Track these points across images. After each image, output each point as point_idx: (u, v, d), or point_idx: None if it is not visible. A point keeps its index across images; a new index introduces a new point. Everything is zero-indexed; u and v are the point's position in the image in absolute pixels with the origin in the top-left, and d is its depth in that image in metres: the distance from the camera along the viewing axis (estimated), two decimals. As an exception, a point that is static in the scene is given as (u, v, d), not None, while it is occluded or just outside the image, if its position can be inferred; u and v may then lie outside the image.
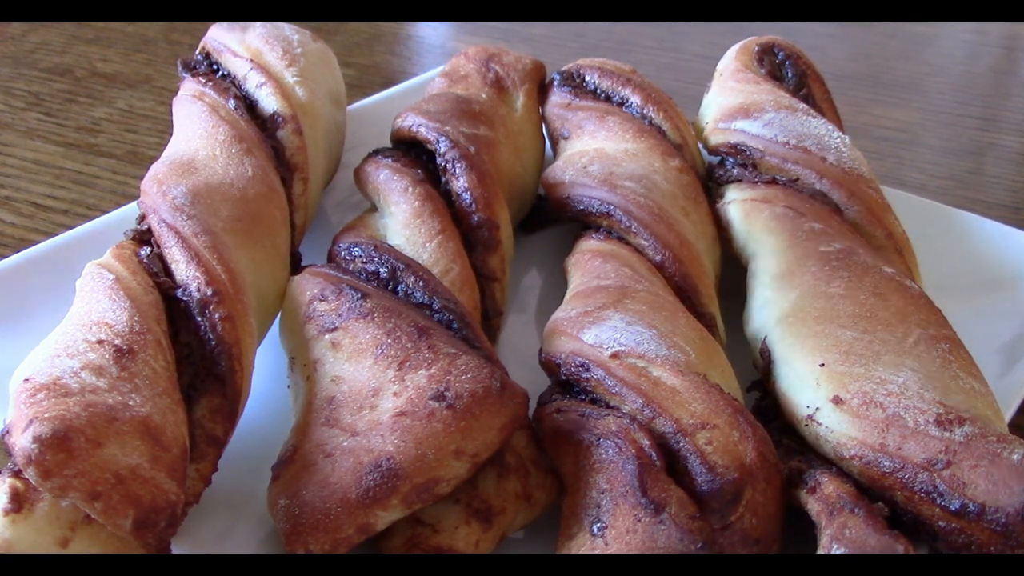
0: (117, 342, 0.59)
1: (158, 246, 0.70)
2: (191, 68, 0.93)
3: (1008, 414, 0.71)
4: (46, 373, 0.55)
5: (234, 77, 0.91)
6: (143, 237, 0.72)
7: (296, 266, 0.81)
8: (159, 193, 0.71)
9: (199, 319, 0.65)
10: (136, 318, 0.62)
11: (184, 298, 0.66)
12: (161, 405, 0.57)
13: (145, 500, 0.53)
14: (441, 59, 1.54)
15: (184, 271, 0.67)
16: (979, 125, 1.43)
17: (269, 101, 0.87)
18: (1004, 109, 1.51)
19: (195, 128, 0.81)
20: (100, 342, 0.59)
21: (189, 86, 0.88)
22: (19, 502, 0.53)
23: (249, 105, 0.88)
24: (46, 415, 0.51)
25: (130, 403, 0.55)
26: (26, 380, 0.55)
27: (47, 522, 0.53)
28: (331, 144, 0.96)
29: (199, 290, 0.65)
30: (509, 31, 1.64)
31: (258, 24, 0.96)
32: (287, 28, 0.98)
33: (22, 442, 0.51)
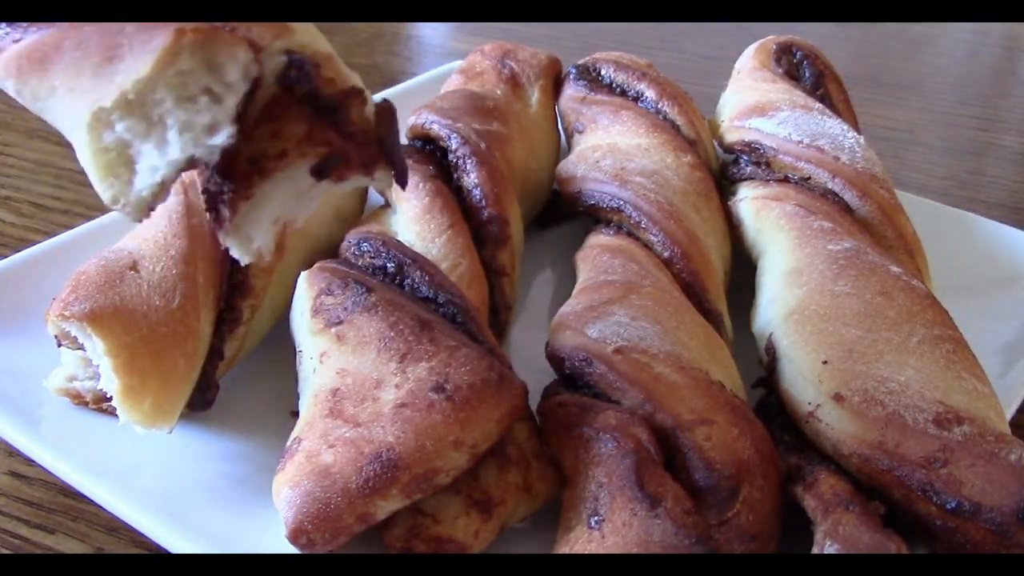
0: None
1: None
2: None
3: (1008, 414, 0.71)
4: None
5: None
6: None
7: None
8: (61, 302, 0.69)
9: None
10: None
11: None
12: None
13: None
14: (441, 59, 1.54)
15: None
16: (979, 125, 1.43)
17: None
18: (1004, 109, 1.51)
19: (156, 227, 0.76)
20: None
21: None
22: None
23: None
24: None
25: None
26: None
27: None
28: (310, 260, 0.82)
29: None
30: (509, 31, 1.65)
31: None
32: None
33: None
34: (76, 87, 0.52)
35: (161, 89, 0.50)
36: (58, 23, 0.53)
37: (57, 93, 0.54)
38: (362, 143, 0.54)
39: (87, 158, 0.52)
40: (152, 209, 0.54)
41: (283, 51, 0.52)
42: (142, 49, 0.50)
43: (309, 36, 0.53)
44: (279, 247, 0.58)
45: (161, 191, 0.53)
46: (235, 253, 0.55)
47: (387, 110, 0.55)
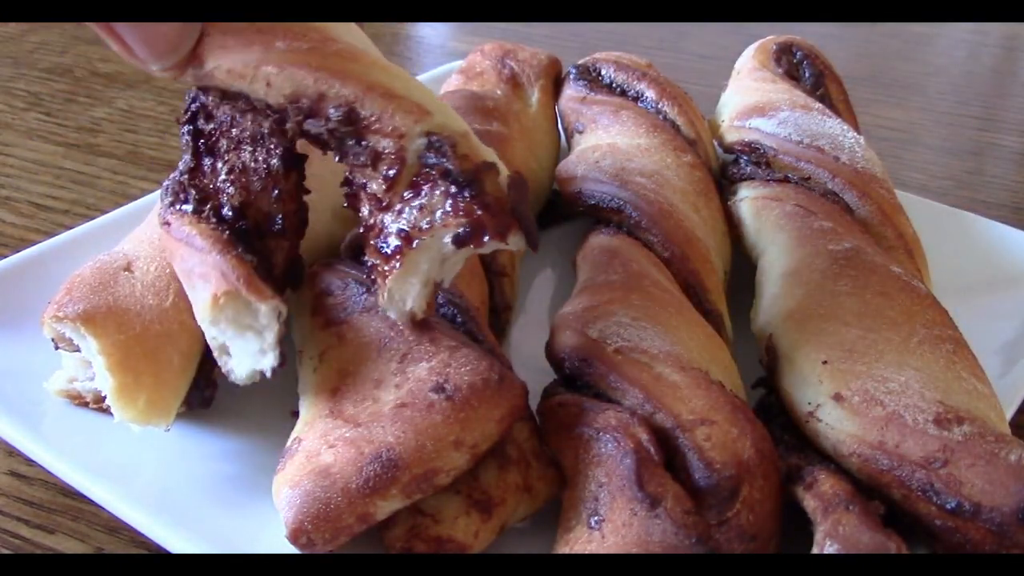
0: None
1: None
2: None
3: (1008, 414, 0.71)
4: None
5: None
6: None
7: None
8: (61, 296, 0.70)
9: None
10: None
11: None
12: None
13: None
14: (441, 59, 1.54)
15: None
16: (979, 125, 1.43)
17: None
18: (1004, 109, 1.51)
19: (153, 229, 0.77)
20: None
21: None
22: None
23: None
24: None
25: None
26: None
27: None
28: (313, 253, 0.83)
29: None
30: (509, 31, 1.65)
31: None
32: None
33: None
34: (187, 289, 0.66)
35: (222, 323, 0.64)
36: (173, 226, 0.66)
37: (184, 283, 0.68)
38: (496, 212, 0.60)
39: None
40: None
41: (423, 133, 0.60)
42: (202, 297, 0.64)
43: (446, 117, 0.61)
44: (430, 305, 0.65)
45: (255, 377, 0.66)
46: (391, 314, 0.65)
47: (519, 180, 0.62)
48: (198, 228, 0.64)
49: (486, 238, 0.59)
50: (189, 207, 0.65)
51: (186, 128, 0.66)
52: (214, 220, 0.65)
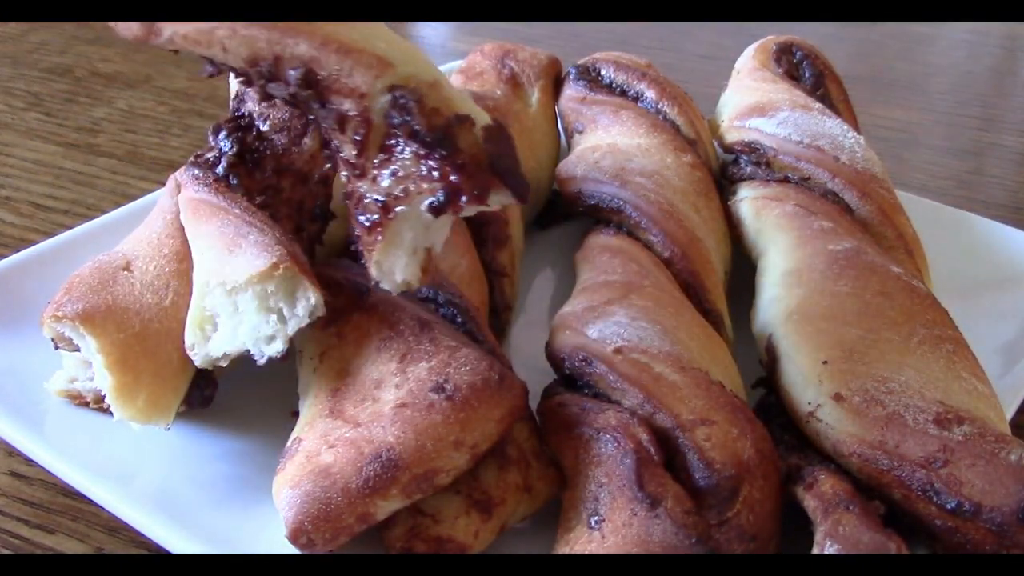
0: None
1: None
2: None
3: (1008, 414, 0.71)
4: None
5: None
6: None
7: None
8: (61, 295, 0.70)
9: None
10: None
11: None
12: None
13: None
14: (441, 59, 1.54)
15: None
16: (979, 125, 1.43)
17: None
18: (1004, 109, 1.51)
19: (151, 229, 0.77)
20: None
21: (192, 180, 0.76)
22: None
23: None
24: None
25: None
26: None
27: None
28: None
29: None
30: (509, 31, 1.65)
31: None
32: None
33: None
34: (204, 256, 0.65)
35: (249, 296, 0.62)
36: (221, 195, 0.68)
37: (197, 245, 0.67)
38: (472, 172, 0.53)
39: (191, 304, 0.66)
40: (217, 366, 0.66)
41: (386, 88, 0.54)
42: (250, 261, 0.62)
43: (412, 67, 0.55)
44: (425, 271, 0.60)
45: (223, 361, 0.65)
46: (385, 286, 0.60)
47: (496, 130, 0.55)
48: (246, 201, 0.63)
49: (463, 201, 0.53)
50: (237, 180, 0.64)
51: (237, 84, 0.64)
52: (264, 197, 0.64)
